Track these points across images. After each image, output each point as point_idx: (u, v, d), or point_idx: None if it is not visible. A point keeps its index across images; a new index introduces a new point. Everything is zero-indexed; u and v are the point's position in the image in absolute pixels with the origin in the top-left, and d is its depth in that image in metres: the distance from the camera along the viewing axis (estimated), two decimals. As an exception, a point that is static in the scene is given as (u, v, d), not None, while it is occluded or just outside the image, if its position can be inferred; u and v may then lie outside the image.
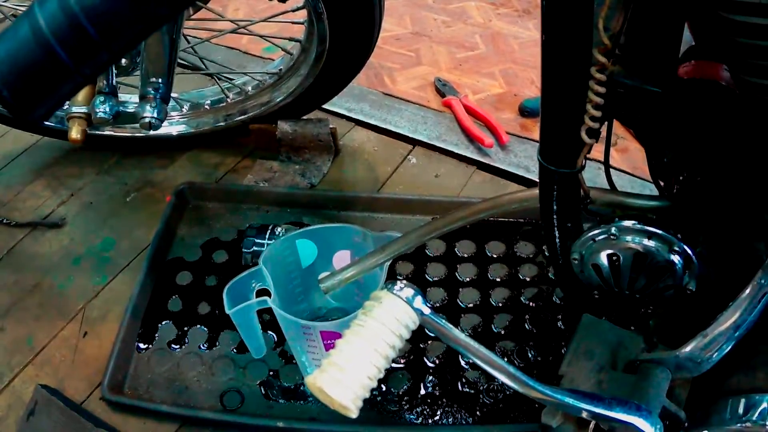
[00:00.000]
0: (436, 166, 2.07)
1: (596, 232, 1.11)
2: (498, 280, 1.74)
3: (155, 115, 1.70)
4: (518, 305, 1.68)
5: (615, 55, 0.97)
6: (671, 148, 1.12)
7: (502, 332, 1.63)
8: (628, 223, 1.09)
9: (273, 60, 2.12)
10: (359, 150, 2.14)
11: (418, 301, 0.99)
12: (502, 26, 2.70)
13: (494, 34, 2.65)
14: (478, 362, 1.01)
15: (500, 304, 1.69)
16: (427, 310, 1.00)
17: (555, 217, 1.11)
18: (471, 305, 1.69)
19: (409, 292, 0.98)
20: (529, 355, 1.58)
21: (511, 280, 1.74)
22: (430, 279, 1.75)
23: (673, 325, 1.20)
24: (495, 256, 1.79)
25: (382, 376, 0.97)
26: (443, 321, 1.01)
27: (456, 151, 2.10)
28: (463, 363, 1.58)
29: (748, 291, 0.96)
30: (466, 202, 1.84)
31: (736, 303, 0.96)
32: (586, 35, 0.88)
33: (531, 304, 1.68)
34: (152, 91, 1.68)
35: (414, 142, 2.15)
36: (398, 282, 0.99)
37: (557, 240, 1.16)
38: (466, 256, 1.80)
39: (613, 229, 1.09)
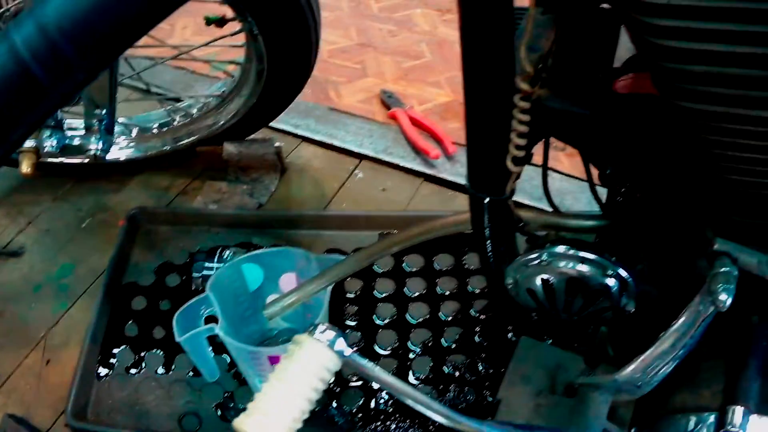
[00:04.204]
0: (382, 180, 2.03)
1: (528, 257, 1.07)
2: (447, 293, 1.70)
3: (100, 146, 1.70)
4: (468, 318, 1.64)
5: (542, 79, 0.93)
6: (611, 162, 1.07)
7: (453, 346, 1.59)
8: (560, 248, 1.04)
9: (221, 79, 2.10)
10: (306, 167, 2.10)
11: (340, 344, 0.98)
12: (448, 33, 2.65)
13: (440, 41, 2.61)
14: (403, 400, 0.99)
15: (450, 318, 1.65)
16: (348, 352, 0.98)
17: (488, 242, 1.07)
18: (420, 320, 1.65)
19: (330, 335, 0.97)
20: (480, 368, 1.54)
21: (460, 293, 1.70)
22: (379, 295, 1.71)
23: (616, 344, 1.17)
24: (443, 269, 1.76)
25: (306, 416, 0.96)
26: (366, 362, 0.99)
27: (402, 163, 2.06)
28: (412, 381, 1.54)
29: (686, 315, 0.92)
30: (411, 216, 1.83)
31: (675, 327, 0.93)
32: (506, 65, 0.83)
33: (481, 316, 1.64)
34: (96, 123, 1.68)
35: (360, 157, 2.10)
36: (320, 326, 0.96)
37: (491, 265, 1.10)
38: (414, 270, 1.76)
39: (544, 255, 1.05)
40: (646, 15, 0.69)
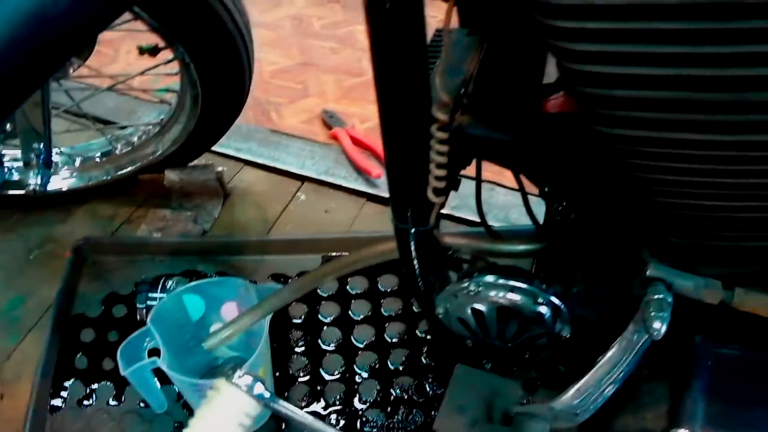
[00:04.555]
0: (325, 202, 2.00)
1: (457, 287, 1.03)
2: (392, 314, 1.67)
3: (38, 181, 1.73)
4: (414, 339, 1.61)
5: (463, 105, 0.89)
6: (547, 181, 1.04)
7: (400, 368, 1.56)
8: (489, 278, 1.01)
9: (163, 104, 2.07)
10: (249, 191, 2.06)
11: (258, 388, 0.94)
12: (391, 49, 2.60)
13: (382, 57, 2.56)
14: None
15: (396, 340, 1.62)
16: (267, 394, 0.96)
17: (416, 271, 1.03)
18: (367, 343, 1.62)
19: (247, 380, 0.94)
20: (428, 390, 1.51)
21: (406, 313, 1.67)
22: (324, 319, 1.67)
23: (566, 361, 1.14)
24: (388, 290, 1.72)
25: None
26: (285, 404, 0.98)
27: (345, 184, 2.03)
28: (359, 405, 1.51)
29: (620, 343, 0.90)
30: (355, 238, 1.82)
31: (609, 355, 0.91)
32: (420, 95, 0.79)
33: (427, 336, 1.60)
34: (34, 157, 1.67)
35: (302, 179, 2.07)
36: (238, 371, 0.93)
37: (422, 294, 1.07)
38: (359, 292, 1.73)
39: (473, 285, 1.01)
40: (560, 39, 0.66)
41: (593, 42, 0.64)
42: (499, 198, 1.91)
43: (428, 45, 0.91)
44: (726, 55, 0.62)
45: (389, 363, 1.57)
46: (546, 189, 1.09)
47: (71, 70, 1.81)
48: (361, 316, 1.68)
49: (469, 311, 1.05)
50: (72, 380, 1.60)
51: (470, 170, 1.04)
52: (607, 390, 0.92)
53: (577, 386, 0.92)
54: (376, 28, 0.73)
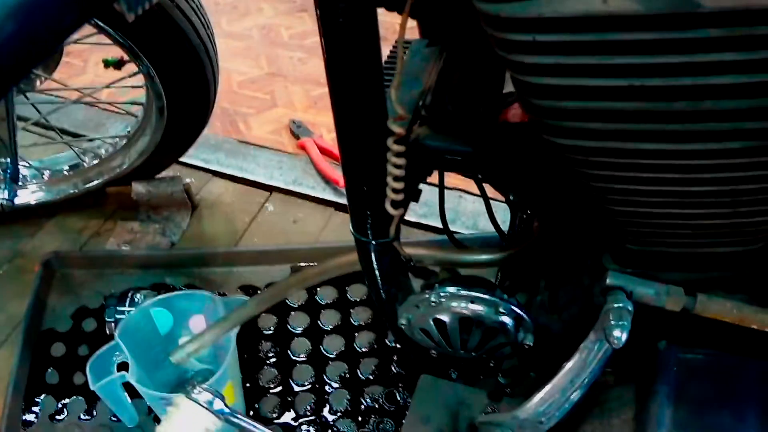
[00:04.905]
0: (294, 212, 1.99)
1: (419, 298, 1.02)
2: (362, 324, 1.66)
3: (6, 196, 1.70)
4: (384, 348, 1.60)
5: (421, 117, 0.88)
6: (511, 189, 1.03)
7: (371, 377, 1.55)
8: (450, 288, 1.00)
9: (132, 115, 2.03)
10: (217, 202, 2.05)
11: (218, 403, 0.94)
12: (358, 58, 2.60)
13: (349, 67, 2.55)
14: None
15: (366, 349, 1.61)
16: (227, 410, 0.96)
17: (378, 283, 1.02)
18: (336, 353, 1.61)
19: (207, 396, 0.93)
20: (399, 398, 1.50)
21: (375, 322, 1.66)
22: (294, 330, 1.66)
23: (536, 366, 1.13)
24: (357, 299, 1.72)
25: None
26: (245, 419, 0.97)
27: (313, 194, 2.02)
28: (330, 416, 1.50)
29: (581, 352, 0.89)
30: (323, 248, 1.81)
31: (571, 364, 0.90)
32: (376, 109, 0.78)
33: (397, 345, 1.60)
34: (1, 172, 1.65)
35: (271, 189, 2.06)
36: (196, 387, 0.92)
37: (385, 306, 1.06)
38: (328, 302, 1.72)
39: (433, 296, 1.00)
40: (511, 52, 0.65)
41: (544, 54, 0.63)
42: (467, 205, 1.91)
43: (388, 58, 0.90)
44: (679, 65, 0.61)
45: (359, 372, 1.56)
46: (511, 197, 1.08)
47: (38, 83, 1.80)
48: (331, 326, 1.67)
49: (432, 322, 1.04)
50: (44, 395, 1.59)
51: (436, 178, 1.04)
52: (571, 397, 0.91)
53: (540, 394, 0.91)
54: (330, 41, 0.72)
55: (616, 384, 1.02)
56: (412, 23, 1.01)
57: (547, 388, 0.91)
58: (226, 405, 0.94)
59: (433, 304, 1.00)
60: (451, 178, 1.04)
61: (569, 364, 0.90)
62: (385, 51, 0.81)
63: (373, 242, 0.94)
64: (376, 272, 1.00)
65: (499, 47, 0.65)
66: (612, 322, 0.85)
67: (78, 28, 0.57)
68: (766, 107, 0.63)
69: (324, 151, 2.14)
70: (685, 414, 0.91)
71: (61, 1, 0.68)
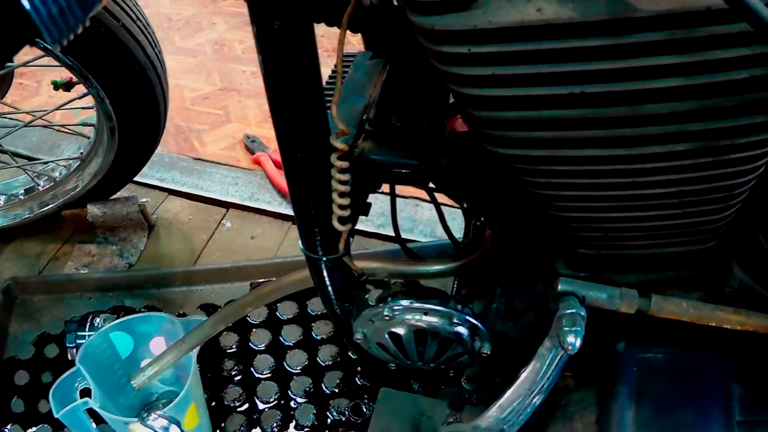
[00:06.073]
0: (251, 227, 1.97)
1: (373, 312, 1.01)
2: (323, 337, 1.64)
3: None
4: (347, 361, 1.59)
5: (365, 131, 0.87)
6: (464, 197, 1.03)
7: (335, 390, 1.54)
8: (403, 302, 0.99)
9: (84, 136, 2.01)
10: (174, 221, 2.03)
11: (173, 430, 0.91)
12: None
13: (301, 79, 2.54)
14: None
15: (329, 363, 1.59)
16: None
17: (332, 299, 1.00)
18: (300, 368, 1.59)
19: (162, 422, 0.91)
20: (365, 410, 1.49)
21: (337, 335, 1.64)
22: (256, 347, 1.64)
23: (501, 372, 1.13)
24: (318, 313, 1.70)
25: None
26: None
27: (269, 209, 2.00)
28: (297, 430, 1.49)
29: (537, 359, 0.89)
30: (281, 263, 1.78)
31: (528, 371, 0.89)
32: (317, 126, 0.77)
33: (359, 357, 1.57)
34: None
35: (227, 205, 2.04)
36: (152, 414, 0.90)
37: (340, 321, 1.04)
38: (289, 318, 1.70)
39: (386, 310, 0.99)
40: (447, 64, 0.64)
41: (480, 65, 0.62)
42: (424, 213, 1.90)
43: (332, 73, 0.89)
44: (619, 70, 0.61)
45: (324, 386, 1.55)
46: (464, 205, 1.07)
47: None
48: (293, 341, 1.65)
49: (387, 336, 1.03)
50: (10, 425, 1.56)
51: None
52: (531, 403, 0.90)
53: (499, 402, 0.90)
54: (267, 59, 0.70)
55: (577, 387, 1.01)
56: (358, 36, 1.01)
57: (507, 395, 0.90)
58: (182, 430, 0.92)
59: (386, 318, 0.99)
60: (407, 187, 1.03)
61: (526, 371, 0.89)
62: (333, 63, 0.80)
63: (324, 258, 0.93)
64: (329, 288, 0.98)
65: (435, 60, 0.65)
66: (565, 328, 0.84)
67: (19, 49, 0.55)
68: (708, 108, 0.63)
69: (279, 166, 2.12)
70: (647, 413, 0.91)
71: None
